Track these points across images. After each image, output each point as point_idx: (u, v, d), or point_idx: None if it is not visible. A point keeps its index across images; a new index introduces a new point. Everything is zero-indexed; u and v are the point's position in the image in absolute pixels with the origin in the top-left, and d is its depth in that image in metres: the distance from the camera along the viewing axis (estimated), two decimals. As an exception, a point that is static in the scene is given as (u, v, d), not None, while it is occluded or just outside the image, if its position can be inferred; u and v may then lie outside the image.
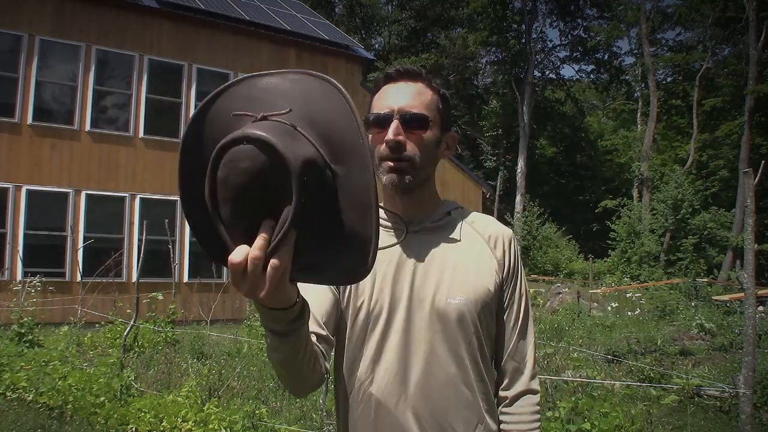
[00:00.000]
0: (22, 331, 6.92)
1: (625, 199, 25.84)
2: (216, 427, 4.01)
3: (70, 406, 4.74)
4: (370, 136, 1.18)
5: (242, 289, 0.74)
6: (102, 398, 4.62)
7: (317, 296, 1.17)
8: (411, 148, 1.15)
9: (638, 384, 5.46)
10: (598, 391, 4.98)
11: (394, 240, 1.21)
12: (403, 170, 1.15)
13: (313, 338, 1.11)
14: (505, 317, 1.24)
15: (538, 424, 1.23)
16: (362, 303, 1.18)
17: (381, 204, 1.27)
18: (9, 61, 10.78)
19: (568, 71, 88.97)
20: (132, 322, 5.65)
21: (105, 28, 11.64)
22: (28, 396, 5.04)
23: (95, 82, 11.54)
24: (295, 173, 0.64)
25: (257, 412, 4.22)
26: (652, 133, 27.20)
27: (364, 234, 0.73)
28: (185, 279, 11.79)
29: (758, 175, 3.31)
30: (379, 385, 1.15)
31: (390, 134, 1.13)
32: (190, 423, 4.09)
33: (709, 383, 5.55)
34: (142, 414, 4.31)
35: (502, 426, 1.22)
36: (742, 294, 3.69)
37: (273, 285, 0.73)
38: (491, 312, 1.20)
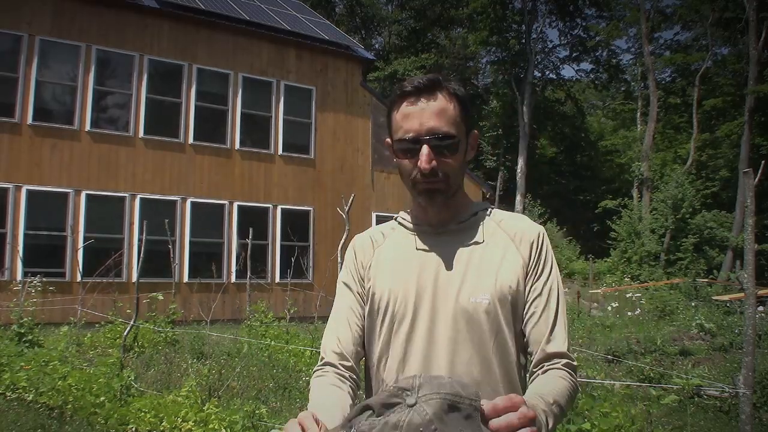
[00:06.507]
0: (22, 331, 6.92)
1: (625, 199, 25.81)
2: (216, 427, 4.01)
3: (70, 406, 4.74)
4: (403, 160, 1.17)
5: None
6: (102, 398, 4.62)
7: (346, 321, 1.24)
8: (444, 170, 1.15)
9: (638, 384, 5.46)
10: (598, 391, 4.97)
11: (419, 243, 1.22)
12: (438, 190, 1.16)
13: (340, 369, 1.20)
14: (532, 311, 1.17)
15: (568, 384, 1.10)
16: (387, 306, 1.19)
17: (408, 210, 1.30)
18: (9, 61, 10.78)
19: (568, 71, 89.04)
20: (132, 322, 5.66)
21: (105, 28, 11.64)
22: (28, 396, 5.04)
23: (95, 82, 11.54)
24: None
25: (257, 412, 4.21)
26: (652, 133, 27.18)
27: None
28: (185, 279, 11.79)
29: (758, 175, 3.31)
30: None
31: (423, 163, 1.12)
32: (190, 423, 4.09)
33: (709, 383, 5.54)
34: (142, 414, 4.31)
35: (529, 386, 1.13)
36: (742, 294, 3.69)
37: None
38: (517, 310, 1.16)
